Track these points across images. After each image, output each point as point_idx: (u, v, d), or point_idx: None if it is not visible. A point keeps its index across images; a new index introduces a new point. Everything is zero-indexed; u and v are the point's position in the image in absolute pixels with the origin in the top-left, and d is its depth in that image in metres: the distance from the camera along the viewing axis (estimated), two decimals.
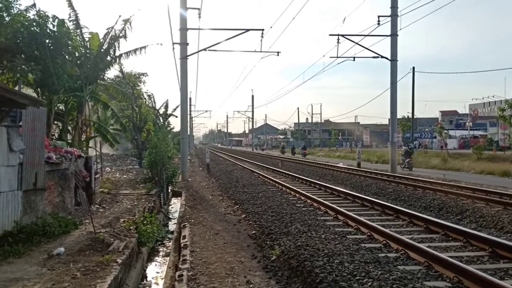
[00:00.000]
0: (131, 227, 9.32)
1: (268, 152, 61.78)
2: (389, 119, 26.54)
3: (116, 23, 17.86)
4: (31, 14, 13.95)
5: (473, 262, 6.34)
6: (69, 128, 17.14)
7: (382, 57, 23.45)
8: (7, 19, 13.06)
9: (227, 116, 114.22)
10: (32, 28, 13.16)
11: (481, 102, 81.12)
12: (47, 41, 13.55)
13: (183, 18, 21.54)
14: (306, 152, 45.54)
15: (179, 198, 16.91)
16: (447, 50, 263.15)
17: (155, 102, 38.57)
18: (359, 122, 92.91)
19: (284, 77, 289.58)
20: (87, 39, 17.63)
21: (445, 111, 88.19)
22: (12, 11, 13.18)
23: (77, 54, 16.32)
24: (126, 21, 17.96)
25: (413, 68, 37.56)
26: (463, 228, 8.13)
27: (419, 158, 32.81)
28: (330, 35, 24.00)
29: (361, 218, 8.93)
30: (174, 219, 13.90)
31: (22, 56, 13.03)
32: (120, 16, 18.11)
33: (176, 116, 39.65)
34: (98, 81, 18.48)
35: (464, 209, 10.73)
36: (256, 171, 23.99)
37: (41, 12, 13.68)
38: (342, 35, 23.00)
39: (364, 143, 74.65)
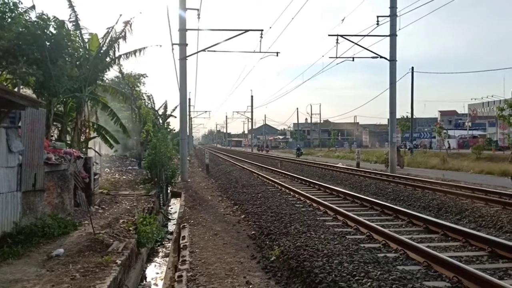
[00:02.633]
0: (130, 228, 9.33)
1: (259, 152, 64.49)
2: (388, 119, 26.59)
3: (116, 23, 17.84)
4: (32, 16, 13.96)
5: (472, 262, 6.34)
6: (68, 129, 17.10)
7: (381, 57, 23.44)
8: (9, 20, 13.05)
9: (226, 116, 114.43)
10: (34, 31, 13.13)
11: (480, 102, 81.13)
12: (47, 43, 13.54)
13: (182, 18, 21.55)
14: (268, 149, 67.67)
15: (179, 198, 16.91)
16: (446, 51, 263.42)
17: (154, 103, 38.65)
18: (358, 122, 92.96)
19: (283, 78, 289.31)
20: (86, 40, 17.60)
21: (444, 111, 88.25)
22: (14, 13, 13.17)
23: (76, 55, 16.30)
24: (126, 23, 17.93)
25: (412, 68, 37.74)
26: (462, 228, 8.13)
27: (418, 158, 32.85)
28: (329, 35, 23.83)
29: (360, 218, 8.93)
30: (174, 219, 13.90)
31: (24, 58, 13.01)
32: (121, 15, 18.12)
33: (175, 117, 39.69)
34: (98, 82, 18.45)
35: (463, 209, 10.74)
36: (255, 171, 23.98)
37: (43, 15, 13.68)
38: (341, 36, 23.00)
39: (363, 143, 74.72)
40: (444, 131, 46.83)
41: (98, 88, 19.22)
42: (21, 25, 13.00)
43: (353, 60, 24.38)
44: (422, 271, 5.78)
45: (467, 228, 8.47)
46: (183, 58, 21.56)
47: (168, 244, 10.65)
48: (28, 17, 13.79)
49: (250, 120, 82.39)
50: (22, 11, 13.80)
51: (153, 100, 38.65)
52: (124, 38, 17.86)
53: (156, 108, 38.98)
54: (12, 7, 12.93)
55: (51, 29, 13.81)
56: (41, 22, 13.44)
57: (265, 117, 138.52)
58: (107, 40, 17.75)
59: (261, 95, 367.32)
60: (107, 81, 23.89)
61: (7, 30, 12.61)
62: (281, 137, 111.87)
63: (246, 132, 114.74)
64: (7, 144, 8.32)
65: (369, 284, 5.01)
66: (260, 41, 22.13)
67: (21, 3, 13.62)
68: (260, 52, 23.14)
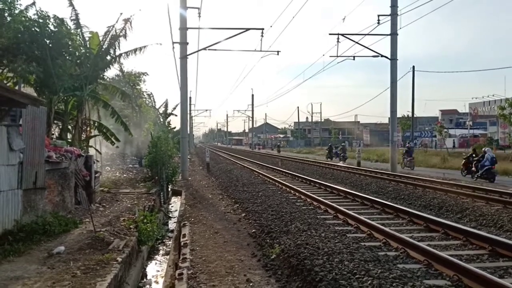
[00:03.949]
0: (131, 226, 9.33)
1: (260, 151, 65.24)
2: (389, 118, 26.57)
3: (117, 22, 17.83)
4: (31, 13, 13.94)
5: (472, 260, 6.34)
6: (69, 127, 17.11)
7: (382, 56, 23.44)
8: (8, 19, 13.04)
9: (227, 115, 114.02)
10: (33, 29, 13.13)
11: (481, 101, 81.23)
12: (47, 41, 13.53)
13: (183, 17, 21.54)
14: (260, 147, 73.07)
15: (179, 197, 16.93)
16: (447, 49, 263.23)
17: (154, 102, 38.70)
18: (359, 121, 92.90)
19: (284, 76, 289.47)
20: (87, 38, 17.59)
21: (445, 110, 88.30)
22: (13, 11, 13.15)
23: (77, 54, 16.30)
24: (126, 20, 17.91)
25: (413, 67, 37.53)
26: (463, 226, 8.13)
27: (419, 157, 32.82)
28: (330, 34, 23.66)
29: (361, 217, 8.93)
30: (174, 218, 13.92)
31: (23, 56, 12.99)
32: (121, 13, 18.02)
33: (176, 115, 39.72)
34: (98, 80, 18.44)
35: (464, 208, 10.74)
36: (256, 170, 23.99)
37: (41, 12, 13.66)
38: (342, 34, 22.97)
39: (364, 142, 74.64)
40: (445, 130, 46.78)
41: (98, 87, 19.22)
42: (20, 23, 12.99)
43: (353, 59, 24.36)
44: (422, 270, 5.78)
45: (468, 227, 8.47)
46: (184, 57, 21.56)
47: (169, 242, 10.67)
48: (27, 15, 13.77)
49: (250, 118, 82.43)
50: (22, 9, 13.80)
51: (153, 98, 38.73)
52: (125, 36, 17.85)
53: (157, 107, 39.04)
54: (10, 4, 12.88)
55: (51, 26, 13.78)
56: (39, 20, 13.41)
57: (265, 116, 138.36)
58: (108, 38, 17.75)
59: (261, 94, 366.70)
60: (107, 79, 23.86)
61: (7, 28, 12.59)
62: (281, 135, 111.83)
63: (247, 130, 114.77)
64: (8, 142, 8.32)
65: (369, 282, 5.01)
66: (261, 40, 22.19)
67: (21, 5, 13.61)
68: (261, 51, 23.18)
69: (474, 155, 20.28)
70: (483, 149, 21.03)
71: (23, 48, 12.87)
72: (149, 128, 29.22)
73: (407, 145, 28.25)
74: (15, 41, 12.81)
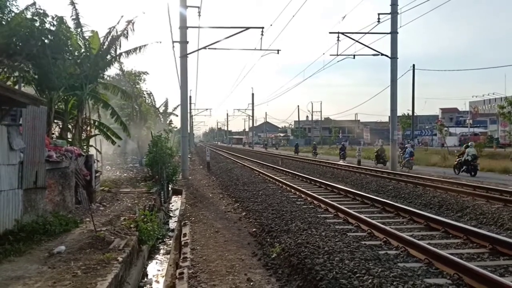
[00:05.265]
0: (131, 225, 9.32)
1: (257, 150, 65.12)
2: (389, 116, 26.58)
3: (118, 23, 17.85)
4: (31, 12, 13.93)
5: (473, 259, 6.34)
6: (70, 126, 17.11)
7: (382, 54, 23.42)
8: (5, 17, 13.02)
9: (227, 114, 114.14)
10: (27, 26, 13.07)
11: (481, 99, 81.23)
12: (44, 40, 13.51)
13: (183, 16, 21.53)
14: (259, 146, 77.04)
15: (180, 196, 16.93)
16: (447, 48, 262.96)
17: (154, 101, 38.72)
18: (359, 120, 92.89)
19: (284, 75, 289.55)
20: (87, 37, 17.59)
21: (445, 109, 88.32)
22: (9, 9, 13.12)
23: (76, 53, 16.29)
24: (129, 22, 17.95)
25: (413, 65, 37.51)
26: (463, 225, 8.12)
27: (419, 155, 32.80)
28: (330, 33, 23.50)
29: (361, 216, 8.93)
30: (175, 217, 13.92)
31: (21, 56, 12.97)
32: (122, 16, 18.14)
33: (177, 115, 39.77)
34: (98, 79, 18.44)
35: (465, 206, 10.74)
36: (256, 169, 23.98)
37: (39, 9, 13.63)
38: (342, 33, 22.94)
39: (364, 140, 74.59)
40: (445, 128, 46.76)
41: (99, 86, 19.22)
42: (15, 22, 12.97)
43: (354, 58, 24.35)
44: (423, 268, 5.78)
45: (468, 225, 8.47)
46: (184, 56, 21.55)
47: (169, 242, 10.66)
48: (24, 15, 13.76)
49: (251, 117, 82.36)
50: (22, 9, 13.78)
51: (153, 97, 38.74)
52: (126, 36, 17.88)
53: (157, 106, 39.04)
54: (1, 3, 12.85)
55: (48, 25, 13.74)
56: (41, 18, 13.37)
57: (266, 115, 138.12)
58: (109, 38, 17.76)
59: (262, 92, 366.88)
60: (108, 78, 23.87)
61: (2, 26, 12.57)
62: (282, 134, 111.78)
63: (247, 129, 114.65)
64: (8, 141, 8.32)
65: (370, 281, 5.01)
66: (261, 38, 22.16)
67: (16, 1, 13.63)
68: (261, 49, 23.17)
69: (378, 152, 27.42)
70: (405, 145, 27.58)
71: (19, 45, 12.83)
72: (150, 127, 29.25)
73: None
74: (11, 39, 12.78)
